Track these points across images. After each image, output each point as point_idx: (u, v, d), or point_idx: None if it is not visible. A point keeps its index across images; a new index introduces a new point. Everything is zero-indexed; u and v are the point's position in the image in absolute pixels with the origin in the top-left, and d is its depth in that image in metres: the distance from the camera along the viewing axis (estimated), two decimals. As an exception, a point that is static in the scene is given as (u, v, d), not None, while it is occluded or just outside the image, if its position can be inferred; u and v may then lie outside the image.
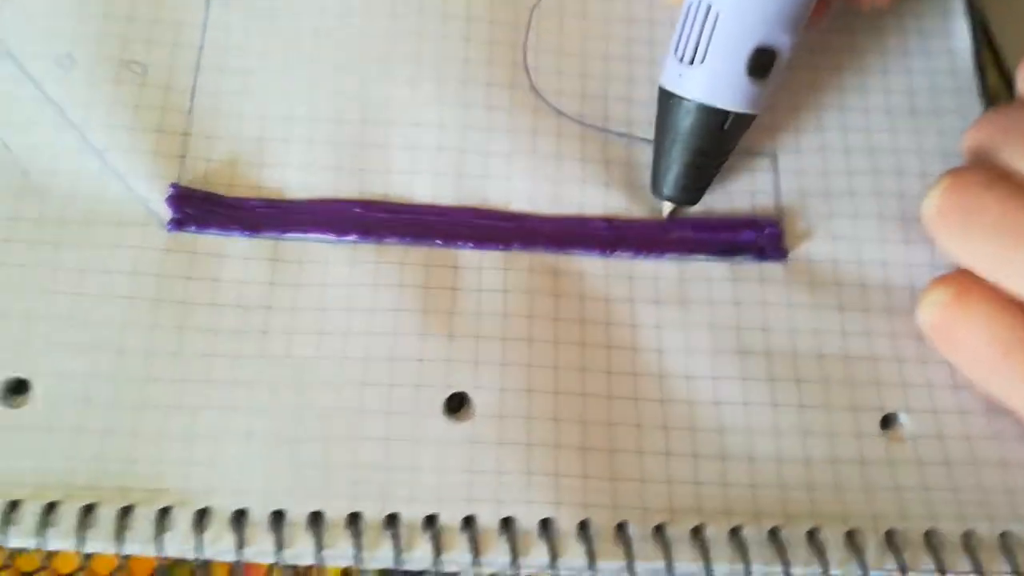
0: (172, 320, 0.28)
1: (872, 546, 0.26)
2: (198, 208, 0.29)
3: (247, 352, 0.28)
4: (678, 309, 0.29)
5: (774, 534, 0.26)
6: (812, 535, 0.26)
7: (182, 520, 0.26)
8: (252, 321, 0.28)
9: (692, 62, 0.28)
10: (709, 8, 0.27)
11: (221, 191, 0.30)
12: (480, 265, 0.29)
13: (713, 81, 0.28)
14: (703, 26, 0.28)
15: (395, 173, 0.31)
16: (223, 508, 0.26)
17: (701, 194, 0.30)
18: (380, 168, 0.31)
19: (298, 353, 0.28)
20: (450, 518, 0.26)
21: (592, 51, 0.32)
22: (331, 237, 0.30)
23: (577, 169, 0.31)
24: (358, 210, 0.30)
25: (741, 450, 0.27)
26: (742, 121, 0.29)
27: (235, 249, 0.29)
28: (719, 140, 0.29)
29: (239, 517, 0.26)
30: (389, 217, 0.30)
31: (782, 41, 0.28)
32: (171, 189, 0.29)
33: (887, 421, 0.28)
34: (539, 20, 0.33)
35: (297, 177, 0.30)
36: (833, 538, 0.26)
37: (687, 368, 0.28)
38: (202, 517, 0.26)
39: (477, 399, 0.28)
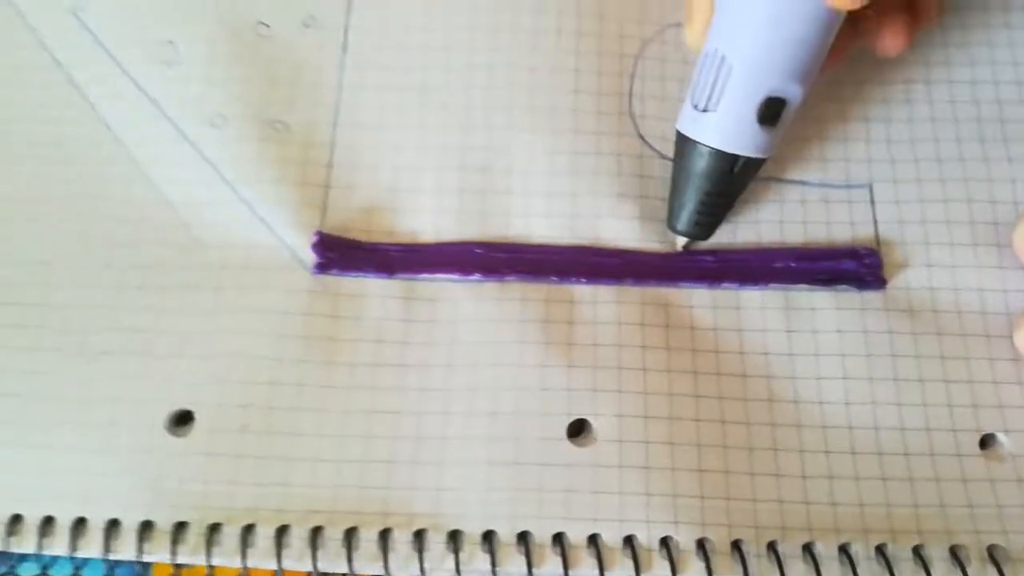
0: (320, 355, 0.31)
1: (975, 561, 0.28)
2: (340, 253, 0.33)
3: (385, 384, 0.31)
4: (784, 337, 0.31)
5: (881, 550, 0.28)
6: (917, 551, 0.28)
7: (332, 538, 0.29)
8: (390, 355, 0.31)
9: (706, 109, 0.30)
10: (723, 59, 0.29)
11: (360, 237, 0.33)
12: (595, 299, 0.32)
13: (725, 128, 0.29)
14: (717, 76, 0.29)
15: (513, 216, 0.33)
16: (371, 526, 0.29)
17: (713, 229, 0.32)
18: (500, 211, 0.33)
19: (433, 385, 0.31)
20: (576, 536, 0.29)
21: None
22: (457, 276, 0.32)
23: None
24: (479, 251, 0.33)
25: (847, 470, 0.29)
26: (751, 164, 0.30)
27: (373, 289, 0.32)
28: (729, 182, 0.31)
29: (382, 537, 0.29)
30: (508, 257, 0.33)
31: (792, 91, 0.29)
32: (315, 236, 0.33)
33: (986, 442, 0.30)
34: (643, 69, 0.35)
35: (427, 222, 0.33)
36: (938, 554, 0.28)
37: (795, 393, 0.30)
38: (350, 537, 0.29)
39: (597, 424, 0.30)
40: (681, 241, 0.33)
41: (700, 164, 0.30)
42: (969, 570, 0.28)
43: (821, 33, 0.28)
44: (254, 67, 0.36)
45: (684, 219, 0.32)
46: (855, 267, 0.32)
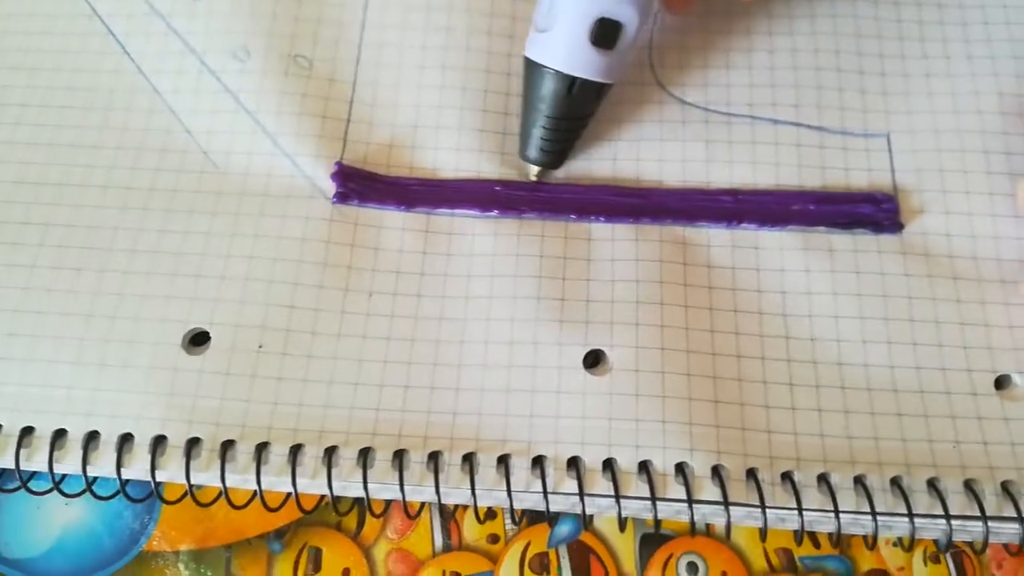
0: (337, 282, 0.31)
1: (989, 494, 0.28)
2: (359, 184, 0.33)
3: (403, 313, 0.31)
4: (802, 276, 0.31)
5: (896, 482, 0.28)
6: (932, 483, 0.28)
7: (346, 457, 0.29)
8: (408, 285, 0.31)
9: (544, 30, 0.30)
10: None
11: (380, 171, 0.33)
12: (613, 237, 0.32)
13: (559, 47, 0.30)
14: None
15: (566, 159, 0.34)
16: (386, 447, 0.29)
17: (562, 158, 0.33)
18: (516, 152, 0.34)
19: (450, 314, 0.31)
20: (592, 460, 0.29)
21: (714, 44, 0.35)
22: (476, 212, 0.33)
23: (701, 150, 0.33)
24: (499, 188, 0.33)
25: (863, 406, 0.29)
26: (589, 87, 0.31)
27: (392, 221, 0.32)
28: (569, 105, 0.31)
29: (397, 458, 0.29)
30: (527, 195, 0.33)
31: (627, 15, 0.29)
32: (335, 167, 0.33)
33: (1001, 382, 0.30)
34: (663, 19, 0.36)
35: (447, 159, 0.34)
36: (952, 487, 0.28)
37: (812, 331, 0.31)
38: (365, 456, 0.29)
39: (613, 355, 0.30)
40: (533, 170, 0.33)
41: (540, 86, 0.31)
42: (984, 503, 0.28)
43: None
44: (279, 3, 0.36)
45: (532, 146, 0.32)
46: (873, 211, 0.32)
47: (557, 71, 0.30)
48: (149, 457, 0.29)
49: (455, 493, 0.29)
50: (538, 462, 0.29)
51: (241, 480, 0.29)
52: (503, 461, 0.29)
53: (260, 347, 0.30)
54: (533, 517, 0.31)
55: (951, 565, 0.31)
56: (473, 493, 0.28)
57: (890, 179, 0.33)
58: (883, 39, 0.35)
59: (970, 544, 0.30)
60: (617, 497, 0.28)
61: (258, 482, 0.28)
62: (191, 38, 0.35)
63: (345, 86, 0.35)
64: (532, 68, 0.31)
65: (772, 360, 0.30)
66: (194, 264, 0.31)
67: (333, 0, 0.36)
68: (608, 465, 0.29)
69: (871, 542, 0.28)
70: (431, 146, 0.34)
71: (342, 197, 0.33)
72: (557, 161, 0.33)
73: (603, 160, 0.34)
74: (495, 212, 0.33)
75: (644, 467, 0.28)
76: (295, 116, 0.34)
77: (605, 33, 0.30)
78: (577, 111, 0.31)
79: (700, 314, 0.31)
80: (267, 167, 0.33)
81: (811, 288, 0.31)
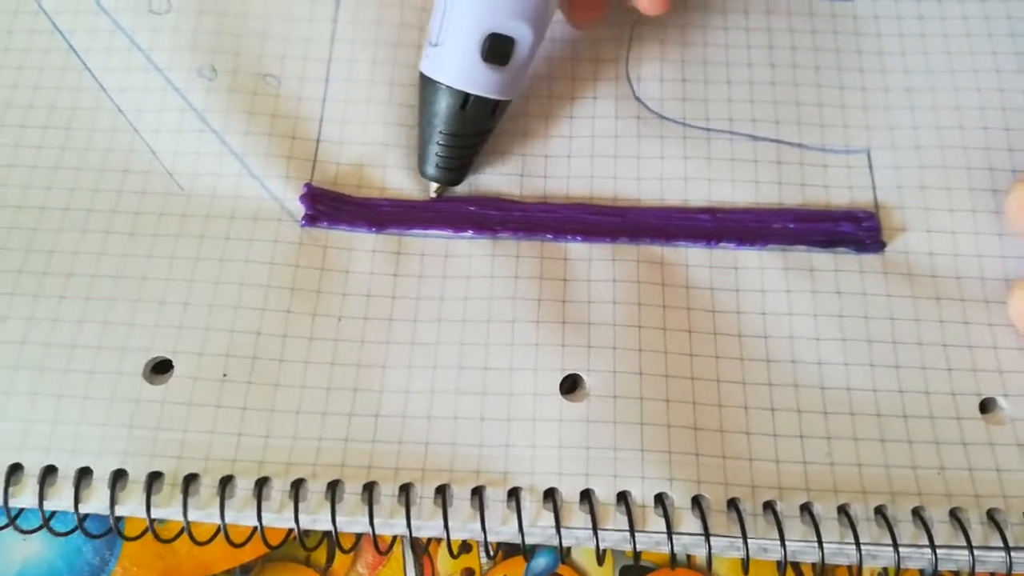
0: (305, 307, 0.30)
1: (975, 522, 0.27)
2: (329, 206, 0.32)
3: (374, 338, 0.30)
4: (783, 297, 0.31)
5: (880, 511, 0.27)
6: (917, 512, 0.28)
7: (314, 490, 0.28)
8: (379, 309, 0.31)
9: (436, 44, 0.30)
10: None
11: (350, 191, 0.32)
12: (589, 257, 0.31)
13: (451, 63, 0.29)
14: (444, 10, 0.29)
15: (507, 176, 0.33)
16: (355, 479, 0.28)
17: (461, 174, 0.32)
18: (495, 172, 0.33)
19: (422, 339, 0.30)
20: (569, 492, 0.28)
21: (692, 58, 0.34)
22: (449, 232, 0.32)
23: (680, 167, 0.33)
24: (472, 208, 0.32)
25: (846, 431, 0.29)
26: (484, 104, 0.30)
27: (363, 243, 0.32)
28: (463, 121, 0.30)
29: (367, 491, 0.28)
30: (501, 214, 0.32)
31: (520, 31, 0.29)
32: (304, 188, 0.32)
33: (986, 406, 0.29)
34: (640, 33, 0.35)
35: (418, 178, 0.33)
36: (937, 516, 0.27)
37: (793, 353, 0.30)
38: (333, 489, 0.28)
39: (590, 381, 0.29)
40: (432, 187, 0.32)
41: (434, 102, 0.30)
42: (970, 532, 0.27)
43: None
44: (246, 20, 0.35)
45: (430, 163, 0.31)
46: (853, 230, 0.31)
47: (449, 87, 0.30)
48: (108, 492, 0.28)
49: (428, 526, 0.28)
50: (514, 494, 0.28)
51: (205, 515, 0.28)
52: (477, 493, 0.28)
53: (224, 376, 0.29)
54: (509, 550, 0.31)
55: (937, 594, 0.30)
56: (446, 527, 0.27)
57: (871, 196, 0.32)
58: (863, 53, 0.34)
59: (956, 573, 0.30)
60: (595, 530, 0.27)
61: (222, 517, 0.27)
62: (155, 55, 0.34)
63: (314, 104, 0.34)
64: (426, 83, 0.30)
65: (753, 384, 0.29)
66: (158, 290, 0.30)
67: (301, 15, 0.35)
68: (586, 496, 0.28)
69: (856, 573, 0.27)
70: (402, 165, 0.33)
71: (311, 220, 0.32)
72: (456, 178, 0.32)
73: (580, 178, 0.33)
74: (469, 232, 0.32)
75: (623, 498, 0.28)
76: (264, 136, 0.33)
77: (497, 49, 0.29)
78: (472, 128, 0.31)
79: (679, 337, 0.30)
80: (234, 189, 0.32)
81: (792, 309, 0.30)
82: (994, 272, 0.31)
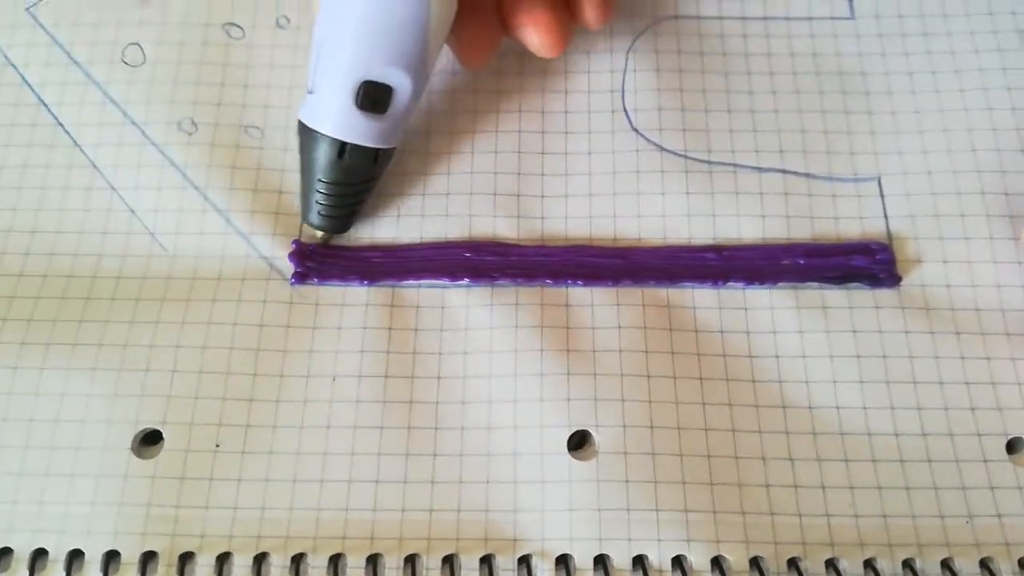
0: (299, 369, 0.29)
1: (1006, 573, 0.26)
2: (318, 261, 0.31)
3: (369, 397, 0.29)
4: (796, 338, 0.29)
5: (908, 565, 0.26)
6: (947, 564, 0.26)
7: (315, 565, 0.27)
8: (374, 366, 0.29)
9: (312, 91, 0.29)
10: (322, 40, 0.28)
11: (339, 243, 0.31)
12: (592, 302, 0.30)
13: (325, 110, 0.28)
14: (318, 57, 0.28)
15: (502, 218, 0.31)
16: (358, 552, 0.27)
17: (347, 223, 0.31)
18: (487, 213, 0.31)
19: (421, 398, 0.29)
20: (582, 557, 0.26)
21: (691, 86, 0.33)
22: (445, 281, 0.30)
23: (682, 203, 0.31)
24: (468, 254, 0.31)
25: (869, 480, 0.27)
26: (363, 153, 0.29)
27: (355, 298, 0.30)
28: (343, 170, 0.29)
29: (371, 564, 0.27)
30: (498, 260, 0.31)
31: (397, 79, 0.28)
32: (293, 245, 0.31)
33: (1013, 446, 0.28)
34: (635, 62, 0.34)
35: (410, 225, 0.31)
36: (967, 567, 0.26)
37: (809, 398, 0.28)
38: (335, 563, 0.27)
39: (599, 437, 0.28)
40: (319, 234, 0.31)
41: (312, 149, 0.29)
42: (1002, 583, 0.26)
43: (416, 24, 0.27)
44: (226, 70, 0.34)
45: (312, 211, 0.30)
46: (867, 264, 0.30)
47: (324, 135, 0.28)
48: (101, 575, 0.26)
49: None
50: (525, 561, 0.27)
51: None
52: (486, 562, 0.27)
53: (217, 446, 0.28)
54: (522, 615, 0.29)
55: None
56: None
57: (883, 226, 0.31)
58: (867, 75, 0.33)
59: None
60: (610, 597, 0.26)
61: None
62: (131, 108, 0.33)
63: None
64: (303, 131, 0.29)
65: (769, 433, 0.28)
66: (142, 357, 0.29)
67: (283, 62, 0.34)
68: (600, 562, 0.26)
69: (885, 628, 0.26)
70: (392, 214, 0.32)
71: (301, 277, 0.30)
72: (342, 226, 0.31)
73: (578, 218, 0.31)
74: (465, 280, 0.30)
75: (639, 562, 0.26)
76: (248, 192, 0.32)
77: (373, 97, 0.28)
78: (353, 176, 0.29)
79: (690, 385, 0.29)
80: (220, 248, 0.31)
81: (806, 351, 0.29)
82: (1015, 302, 0.30)
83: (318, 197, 0.30)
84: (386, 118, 0.29)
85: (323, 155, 0.29)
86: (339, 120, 0.28)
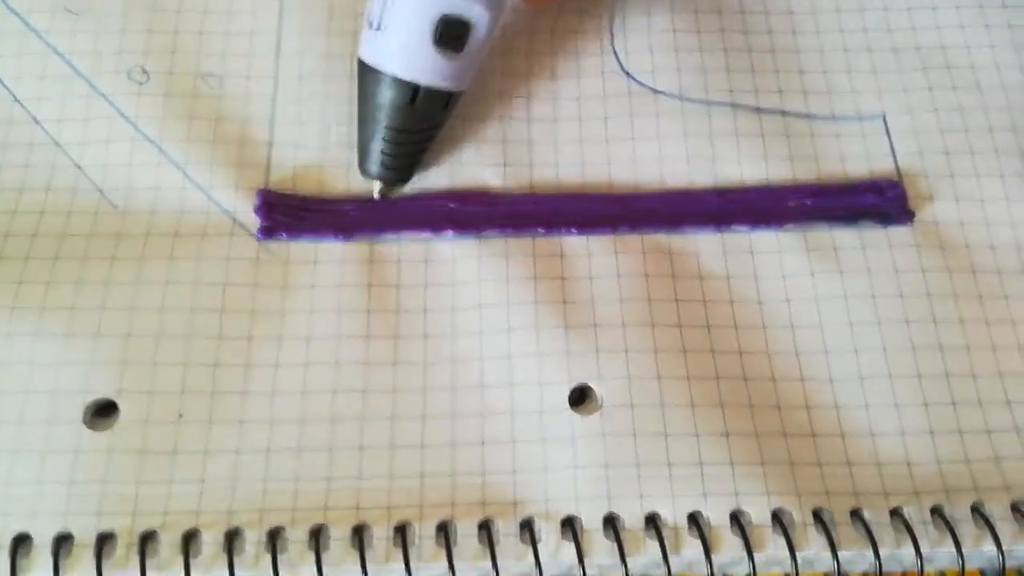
0: (269, 331, 0.27)
1: (1040, 517, 0.24)
2: (288, 214, 0.28)
3: (349, 359, 0.26)
4: (807, 281, 0.27)
5: (937, 512, 0.24)
6: (976, 509, 0.25)
7: (294, 539, 0.24)
8: (353, 327, 0.27)
9: (379, 27, 0.26)
10: None
11: (310, 195, 0.29)
12: (588, 251, 0.28)
13: (398, 49, 0.26)
14: None
15: (487, 166, 0.29)
16: (342, 523, 0.24)
17: (409, 172, 0.29)
18: (474, 161, 0.29)
19: (407, 358, 0.26)
20: (590, 518, 0.24)
21: (683, 26, 0.31)
22: (428, 235, 0.28)
23: (680, 145, 0.30)
24: (452, 205, 0.29)
25: (891, 425, 0.26)
26: (435, 96, 0.27)
27: (329, 254, 0.28)
28: (412, 116, 0.27)
29: (357, 534, 0.24)
30: (484, 210, 0.29)
31: (476, 12, 0.26)
32: (258, 198, 0.28)
33: (1037, 385, 0.27)
34: (624, 1, 0.32)
35: (387, 176, 0.29)
36: (999, 511, 0.25)
37: (825, 342, 0.27)
38: (316, 536, 0.24)
39: (601, 390, 0.26)
40: (376, 186, 0.29)
41: (378, 94, 0.27)
42: (1038, 526, 0.24)
43: None
44: (180, 17, 0.31)
45: (373, 160, 0.28)
46: (878, 201, 0.28)
47: (395, 77, 0.26)
48: (52, 560, 0.23)
49: (430, 569, 0.24)
50: (527, 525, 0.24)
51: (168, 577, 0.24)
52: (485, 527, 0.24)
53: (180, 416, 0.25)
54: (524, 589, 0.27)
55: (1001, 597, 0.27)
56: (452, 568, 0.24)
57: (892, 164, 0.29)
58: (865, 11, 0.32)
59: (1019, 571, 0.27)
60: (623, 559, 0.24)
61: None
62: (76, 59, 0.30)
63: (263, 104, 0.30)
64: (367, 72, 0.27)
65: (784, 381, 0.26)
66: (92, 321, 0.26)
67: (243, 7, 0.31)
68: (610, 522, 0.24)
69: (915, 582, 0.24)
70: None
71: (268, 231, 0.28)
72: (403, 177, 0.29)
73: (570, 164, 0.30)
74: (449, 232, 0.28)
75: (652, 521, 0.24)
76: (207, 143, 0.29)
77: (452, 33, 0.26)
78: (422, 123, 0.27)
79: (697, 333, 0.27)
80: (177, 203, 0.28)
81: (819, 293, 0.27)
82: (1029, 240, 0.28)
83: (382, 146, 0.27)
84: (462, 57, 0.26)
85: (391, 99, 0.26)
86: (412, 60, 0.26)
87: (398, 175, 0.28)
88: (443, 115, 0.28)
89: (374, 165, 0.28)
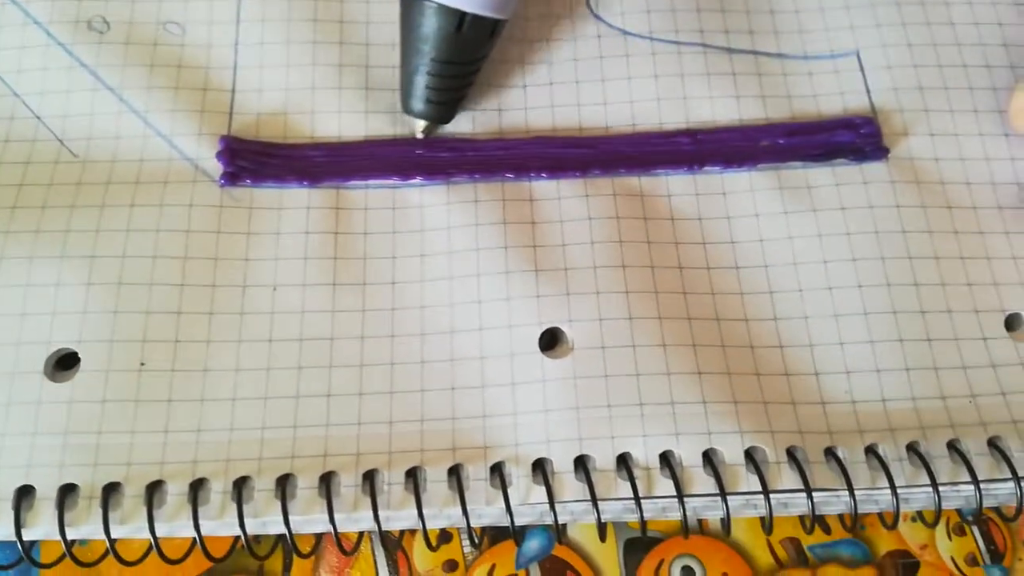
0: (233, 278, 0.26)
1: (1016, 450, 0.24)
2: (252, 160, 0.27)
3: (316, 307, 0.26)
4: (781, 220, 0.27)
5: (913, 448, 0.24)
6: (953, 446, 0.24)
7: (260, 488, 0.24)
8: (319, 274, 0.26)
9: None
10: None
11: (274, 140, 0.28)
12: (558, 195, 0.27)
13: None
14: None
15: (458, 111, 0.29)
16: (309, 471, 0.24)
17: (452, 111, 0.28)
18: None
19: (374, 304, 0.26)
20: (561, 460, 0.24)
21: (653, -36, 0.31)
22: (395, 181, 0.28)
23: (650, 87, 0.29)
24: (419, 151, 0.28)
25: (866, 363, 0.25)
26: (481, 25, 0.26)
27: (295, 200, 0.27)
28: (458, 46, 0.26)
29: (324, 483, 0.24)
30: (453, 156, 0.28)
31: None
32: (221, 143, 0.27)
33: (1011, 323, 0.26)
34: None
35: (353, 122, 0.28)
36: (975, 447, 0.24)
37: (799, 282, 0.26)
38: (283, 485, 0.24)
39: (572, 333, 0.25)
40: (419, 125, 0.28)
41: (422, 24, 0.26)
42: (1014, 462, 0.24)
43: None
44: (138, -39, 0.30)
45: (416, 97, 0.27)
46: (852, 138, 0.28)
47: (442, 4, 0.25)
48: (12, 513, 0.23)
49: (399, 517, 0.24)
50: (497, 469, 0.24)
51: (132, 530, 0.24)
52: (454, 472, 0.24)
53: (142, 365, 0.25)
54: (496, 535, 0.27)
55: (978, 537, 0.27)
56: (421, 515, 0.23)
57: (866, 101, 0.29)
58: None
59: (996, 510, 0.26)
60: (594, 501, 0.23)
61: (152, 530, 0.23)
62: (33, 7, 0.29)
63: (226, 50, 0.29)
64: (411, 2, 0.26)
65: (757, 321, 0.26)
66: (51, 270, 0.26)
67: (203, -49, 0.31)
68: (580, 464, 0.24)
69: (891, 521, 0.24)
70: (333, 109, 0.29)
71: (232, 178, 0.27)
72: (447, 114, 0.28)
73: (539, 108, 0.29)
74: (418, 178, 0.28)
75: (623, 461, 0.24)
76: (169, 90, 0.28)
77: None
78: (468, 54, 0.27)
79: (669, 275, 0.26)
80: (138, 151, 0.28)
81: (792, 232, 0.27)
82: (1004, 175, 0.28)
83: (427, 80, 0.27)
84: None
85: (436, 28, 0.26)
86: None
87: (443, 112, 0.28)
88: (489, 44, 0.27)
89: (419, 102, 0.27)
